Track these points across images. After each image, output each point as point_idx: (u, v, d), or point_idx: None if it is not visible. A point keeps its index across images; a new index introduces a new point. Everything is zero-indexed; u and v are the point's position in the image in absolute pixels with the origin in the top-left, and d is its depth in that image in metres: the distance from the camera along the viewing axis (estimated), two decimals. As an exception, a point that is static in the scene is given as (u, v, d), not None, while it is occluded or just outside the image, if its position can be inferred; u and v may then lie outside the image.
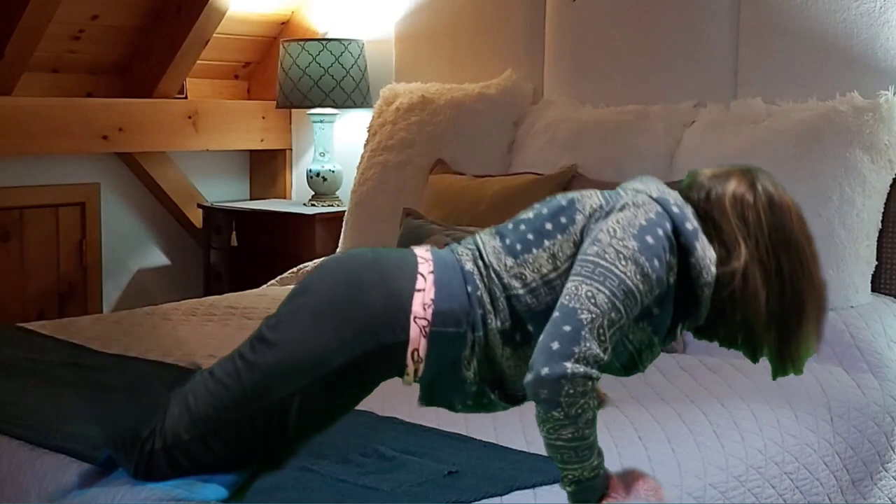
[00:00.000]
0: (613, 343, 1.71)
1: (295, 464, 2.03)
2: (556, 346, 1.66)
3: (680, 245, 1.77)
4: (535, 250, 1.81)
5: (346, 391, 1.82)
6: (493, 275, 1.81)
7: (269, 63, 4.76)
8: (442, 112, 3.80)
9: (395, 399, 2.51)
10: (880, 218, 3.01)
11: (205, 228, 4.51)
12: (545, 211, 1.85)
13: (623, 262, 1.71)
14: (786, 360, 1.84)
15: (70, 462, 2.06)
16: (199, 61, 4.46)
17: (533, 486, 1.95)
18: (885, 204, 3.02)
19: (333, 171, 4.39)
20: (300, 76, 4.23)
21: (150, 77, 4.36)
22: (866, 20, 3.08)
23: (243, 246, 4.34)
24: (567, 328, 1.67)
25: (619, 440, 2.15)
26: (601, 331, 1.68)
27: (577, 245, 1.79)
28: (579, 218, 1.81)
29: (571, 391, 1.65)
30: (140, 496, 1.84)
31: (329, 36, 4.55)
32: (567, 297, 1.71)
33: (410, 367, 1.80)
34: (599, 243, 1.73)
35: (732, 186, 1.83)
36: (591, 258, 1.73)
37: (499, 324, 1.79)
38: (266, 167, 4.87)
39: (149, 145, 4.35)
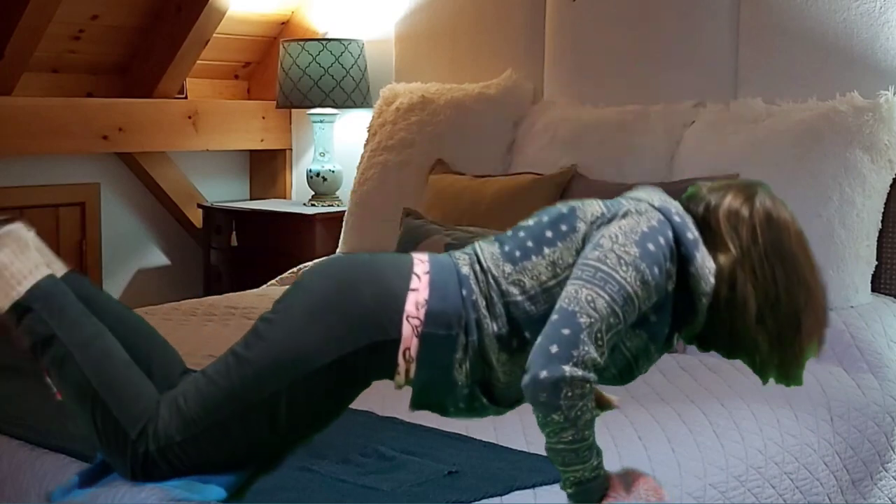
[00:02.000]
0: (610, 348, 1.72)
1: (295, 464, 2.03)
2: (554, 349, 1.67)
3: (680, 254, 1.78)
4: (534, 258, 1.81)
5: (335, 390, 1.82)
6: (490, 280, 1.81)
7: (269, 63, 4.76)
8: (442, 112, 3.79)
9: (395, 399, 2.50)
10: (880, 218, 3.01)
11: (205, 228, 4.51)
12: (545, 219, 1.86)
13: (624, 268, 1.72)
14: (785, 373, 1.87)
15: (70, 462, 2.07)
16: (199, 61, 4.45)
17: (533, 486, 1.95)
18: (885, 204, 3.02)
19: (333, 171, 4.39)
20: (300, 76, 4.23)
21: (150, 77, 4.36)
22: (866, 20, 3.08)
23: (243, 246, 4.34)
24: (566, 331, 1.68)
25: (619, 440, 2.15)
26: (599, 335, 1.69)
27: (578, 253, 1.79)
28: (581, 226, 1.81)
29: (570, 394, 1.65)
30: (140, 496, 1.84)
31: (329, 36, 4.55)
32: (566, 301, 1.71)
33: (402, 367, 1.80)
34: (601, 248, 1.74)
35: (729, 200, 1.84)
36: (591, 262, 1.73)
37: (496, 328, 1.79)
38: (266, 167, 4.87)
39: (149, 145, 4.35)
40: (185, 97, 4.55)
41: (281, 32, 4.70)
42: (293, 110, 4.69)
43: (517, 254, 1.82)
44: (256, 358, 1.79)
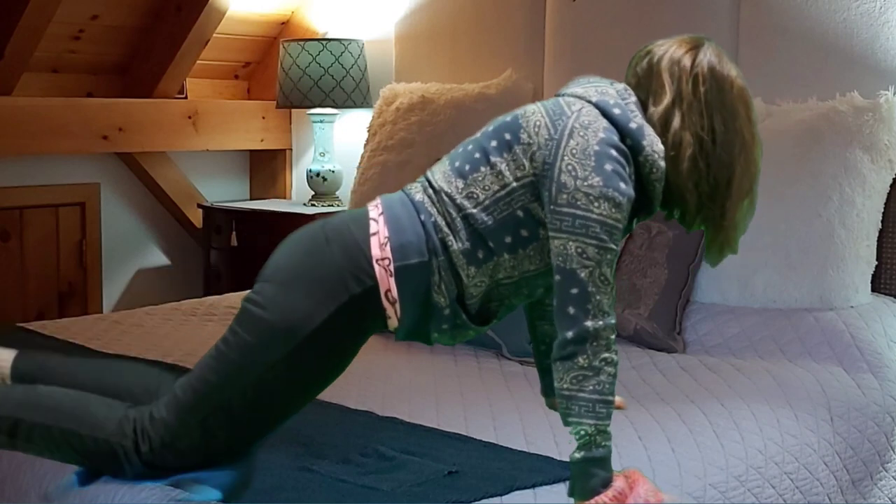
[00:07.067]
0: (614, 271, 1.78)
1: (295, 464, 2.03)
2: (571, 310, 1.74)
3: (628, 146, 1.80)
4: (482, 168, 1.85)
5: (330, 352, 1.85)
6: (444, 198, 1.85)
7: (269, 63, 4.76)
8: (442, 112, 3.79)
9: (395, 399, 2.51)
10: (880, 218, 3.01)
11: (205, 228, 4.51)
12: (490, 129, 1.90)
13: (596, 204, 1.75)
14: (718, 230, 1.87)
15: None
16: (199, 61, 4.45)
17: (533, 486, 1.95)
18: (885, 204, 3.02)
19: (333, 171, 4.39)
20: (300, 76, 4.23)
21: (150, 77, 4.36)
22: (866, 20, 3.08)
23: (243, 246, 4.34)
24: (574, 290, 1.74)
25: (619, 440, 2.15)
26: (603, 277, 1.75)
27: (528, 169, 1.81)
28: (524, 136, 1.83)
29: (595, 343, 1.73)
30: (140, 496, 1.85)
31: (329, 36, 4.55)
32: (560, 259, 1.76)
33: (390, 310, 1.84)
34: (567, 190, 1.76)
35: (672, 50, 1.86)
36: (565, 209, 1.76)
37: (460, 244, 1.83)
38: (266, 167, 4.88)
39: (149, 145, 4.35)
40: (185, 97, 4.55)
41: (281, 32, 4.71)
42: (293, 110, 4.69)
43: (466, 167, 1.86)
44: (246, 339, 1.82)
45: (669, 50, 1.86)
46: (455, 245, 1.83)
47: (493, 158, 1.84)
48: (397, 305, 1.83)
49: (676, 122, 1.81)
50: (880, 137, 2.96)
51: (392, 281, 1.81)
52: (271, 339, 1.80)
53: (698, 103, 1.82)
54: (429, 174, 1.92)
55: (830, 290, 2.93)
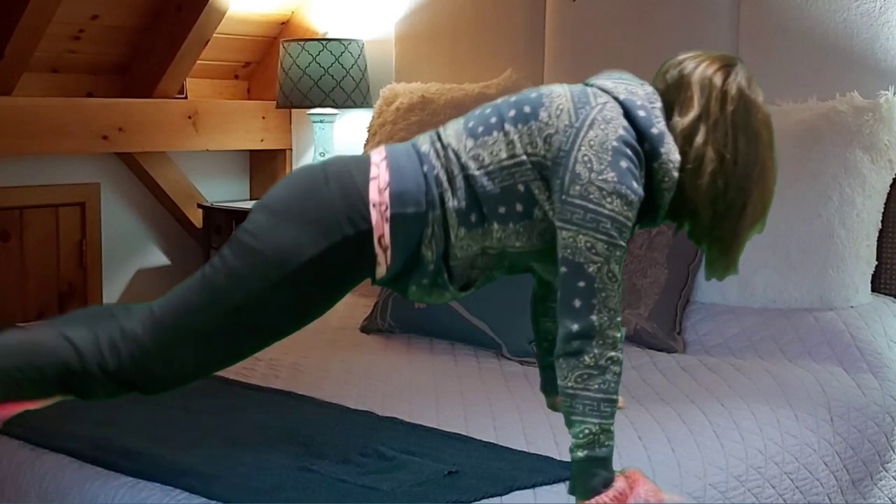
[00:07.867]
0: (622, 268, 1.78)
1: (295, 464, 2.04)
2: (577, 303, 1.74)
3: (644, 151, 1.80)
4: (495, 133, 1.84)
5: (314, 290, 1.84)
6: (451, 154, 1.84)
7: (269, 63, 4.76)
8: (442, 112, 3.79)
9: (395, 399, 2.51)
10: (880, 218, 3.01)
11: (205, 228, 4.51)
12: (513, 99, 1.89)
13: (608, 199, 1.75)
14: (725, 251, 1.86)
15: (70, 462, 2.07)
16: (199, 61, 4.45)
17: (533, 486, 1.95)
18: (885, 204, 3.02)
19: (333, 171, 4.39)
20: (300, 76, 4.23)
21: (150, 77, 4.36)
22: (866, 20, 3.08)
23: (243, 246, 4.34)
24: (581, 283, 1.74)
25: (619, 440, 2.15)
26: (611, 273, 1.75)
27: (540, 148, 1.80)
28: (543, 115, 1.82)
29: (601, 342, 1.73)
30: (140, 496, 1.85)
31: (329, 36, 4.55)
32: (569, 251, 1.75)
33: (380, 256, 1.82)
34: (580, 181, 1.75)
35: (704, 66, 1.86)
36: (577, 201, 1.75)
37: (455, 203, 1.82)
38: (266, 167, 4.87)
39: (149, 145, 4.35)
40: (185, 97, 4.55)
41: (281, 32, 4.70)
42: (293, 110, 4.69)
43: (479, 129, 1.85)
44: (237, 263, 1.81)
45: (702, 65, 1.86)
46: (451, 203, 1.82)
47: (507, 126, 1.83)
48: (388, 252, 1.82)
49: (700, 136, 1.81)
50: (880, 137, 2.96)
51: (386, 227, 1.80)
52: (259, 268, 1.79)
53: (724, 122, 1.82)
54: (441, 129, 1.91)
55: (830, 290, 2.93)
